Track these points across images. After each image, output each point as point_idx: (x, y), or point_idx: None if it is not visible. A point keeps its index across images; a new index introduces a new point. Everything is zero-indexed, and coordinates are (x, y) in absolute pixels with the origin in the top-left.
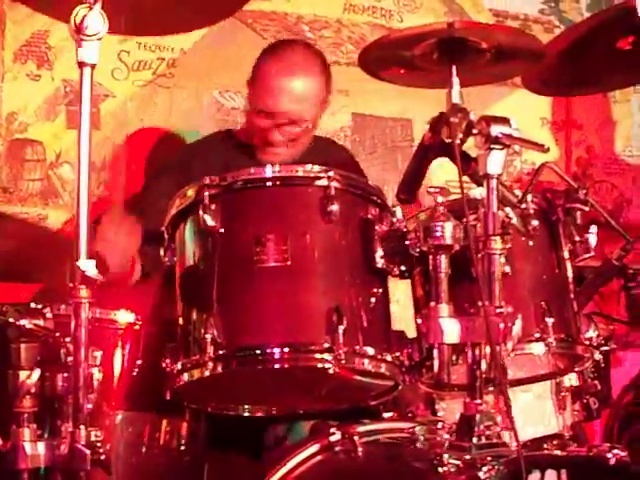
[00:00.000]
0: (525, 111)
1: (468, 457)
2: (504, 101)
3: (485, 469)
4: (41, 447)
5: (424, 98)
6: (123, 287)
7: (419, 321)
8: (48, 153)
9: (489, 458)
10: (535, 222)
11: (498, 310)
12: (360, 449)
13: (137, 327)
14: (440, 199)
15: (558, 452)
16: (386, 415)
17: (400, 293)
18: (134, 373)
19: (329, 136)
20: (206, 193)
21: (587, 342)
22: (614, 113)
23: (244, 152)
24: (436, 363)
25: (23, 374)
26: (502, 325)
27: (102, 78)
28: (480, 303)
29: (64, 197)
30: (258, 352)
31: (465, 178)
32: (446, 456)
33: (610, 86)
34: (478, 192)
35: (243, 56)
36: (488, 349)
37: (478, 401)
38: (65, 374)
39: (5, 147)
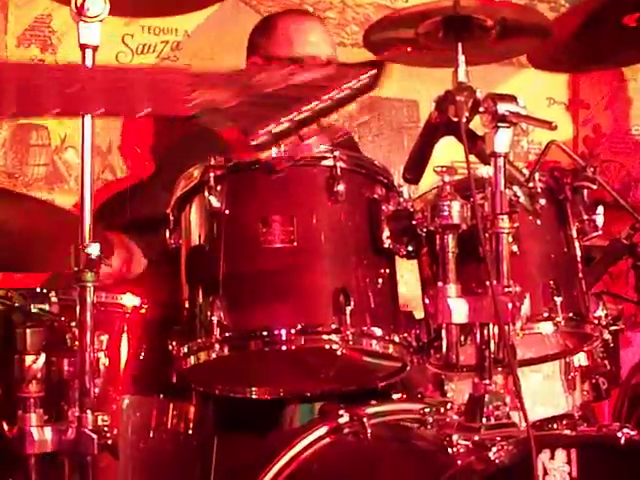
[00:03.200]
0: (532, 91)
1: (477, 438)
2: (510, 81)
3: (495, 449)
4: (48, 432)
5: (430, 79)
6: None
7: (427, 301)
8: (53, 138)
9: (498, 438)
10: (543, 201)
11: (506, 290)
12: (369, 431)
13: (143, 311)
14: (447, 178)
15: (568, 432)
16: (395, 396)
17: (408, 273)
18: (140, 357)
19: (335, 117)
20: (211, 174)
21: (596, 321)
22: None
23: None
24: (444, 344)
25: (29, 359)
26: (510, 305)
27: (106, 62)
28: (488, 283)
29: (69, 182)
30: (265, 334)
31: (472, 157)
32: (455, 437)
33: (618, 63)
34: (485, 171)
35: (247, 38)
36: (496, 329)
37: (487, 381)
38: (71, 359)
39: (10, 132)
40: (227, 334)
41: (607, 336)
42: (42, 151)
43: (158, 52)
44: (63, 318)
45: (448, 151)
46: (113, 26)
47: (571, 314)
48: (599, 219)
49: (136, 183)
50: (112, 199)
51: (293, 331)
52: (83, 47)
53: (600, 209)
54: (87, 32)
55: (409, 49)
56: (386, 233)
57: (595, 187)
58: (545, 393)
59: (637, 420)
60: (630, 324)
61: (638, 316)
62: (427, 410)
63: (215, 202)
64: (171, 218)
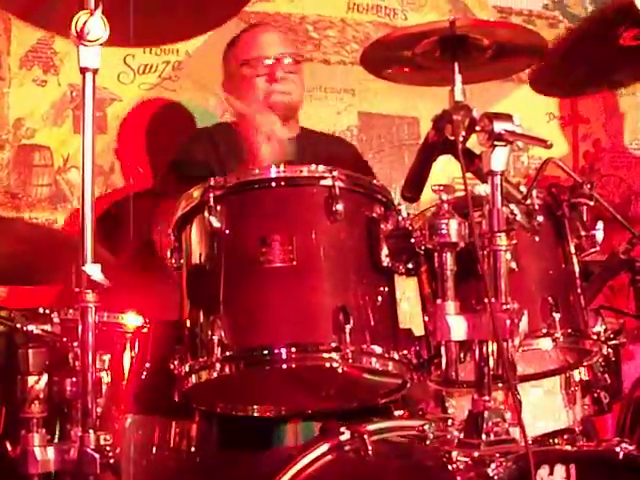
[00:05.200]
0: (531, 107)
1: (477, 454)
2: (510, 97)
3: (493, 465)
4: (51, 452)
5: (430, 96)
6: None
7: (426, 319)
8: (56, 158)
9: (497, 454)
10: (540, 218)
11: (504, 307)
12: (370, 448)
13: (145, 330)
14: (445, 196)
15: (567, 447)
16: (397, 413)
17: (410, 291)
18: (143, 376)
19: (337, 135)
20: (211, 194)
21: (595, 336)
22: (621, 106)
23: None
24: (444, 360)
25: (31, 379)
26: (508, 321)
27: (108, 82)
28: (486, 300)
29: (73, 202)
30: (265, 353)
31: (470, 175)
32: (455, 453)
33: (617, 83)
34: (483, 189)
35: None
36: (495, 346)
37: (486, 398)
38: (73, 379)
39: (13, 153)
40: (228, 353)
41: (607, 351)
42: (45, 171)
43: (159, 72)
44: (65, 338)
45: (448, 168)
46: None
47: (570, 330)
48: (599, 234)
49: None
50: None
51: (293, 350)
52: (83, 70)
53: (600, 224)
54: (87, 55)
55: (405, 70)
56: (385, 251)
57: (592, 203)
58: (546, 408)
59: None
60: (632, 337)
61: None
62: (427, 427)
63: (215, 222)
64: (172, 238)
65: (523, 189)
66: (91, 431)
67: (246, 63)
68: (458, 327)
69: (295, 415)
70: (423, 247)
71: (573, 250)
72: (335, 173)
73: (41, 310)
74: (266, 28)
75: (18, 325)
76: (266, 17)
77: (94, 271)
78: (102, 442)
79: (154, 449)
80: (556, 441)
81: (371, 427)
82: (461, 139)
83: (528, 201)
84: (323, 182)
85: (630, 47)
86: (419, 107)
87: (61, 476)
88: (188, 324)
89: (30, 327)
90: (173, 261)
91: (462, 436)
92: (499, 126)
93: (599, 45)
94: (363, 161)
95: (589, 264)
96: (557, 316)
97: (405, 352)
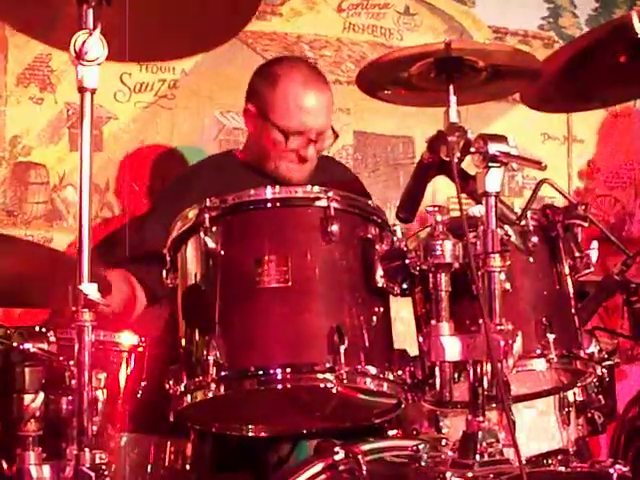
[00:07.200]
0: (526, 127)
1: (471, 474)
2: (505, 117)
3: None
4: (46, 470)
5: (425, 115)
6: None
7: (420, 339)
8: (52, 176)
9: (491, 475)
10: (535, 239)
11: (498, 327)
12: (364, 468)
13: (141, 349)
14: (439, 218)
15: (561, 468)
16: (391, 433)
17: (405, 311)
18: (138, 395)
19: (331, 155)
20: (206, 215)
21: (588, 357)
22: (615, 127)
23: (246, 172)
24: (438, 381)
25: (28, 398)
26: (503, 342)
27: (104, 100)
28: (481, 321)
29: (68, 220)
30: (260, 373)
31: (465, 196)
32: (449, 474)
33: (610, 101)
34: (477, 210)
35: (244, 76)
36: (489, 366)
37: (480, 418)
38: (69, 397)
39: (9, 170)
40: (223, 373)
41: (601, 371)
42: (41, 189)
43: (155, 90)
44: (61, 357)
45: (443, 189)
46: (110, 65)
47: (564, 351)
48: (593, 254)
49: (132, 220)
50: (110, 237)
51: (288, 370)
52: (81, 90)
53: (594, 244)
54: (85, 75)
55: (402, 90)
56: (380, 272)
57: (586, 224)
58: (539, 428)
59: (635, 453)
60: (626, 358)
61: (634, 350)
62: (421, 447)
63: (210, 243)
64: (167, 258)
65: (517, 210)
66: (87, 449)
67: (281, 130)
68: (452, 348)
69: (290, 435)
70: (418, 268)
71: (567, 271)
72: (330, 194)
73: (37, 328)
74: (311, 88)
75: (15, 343)
76: (262, 36)
77: (91, 290)
78: (97, 461)
79: (149, 468)
80: (550, 462)
81: (365, 447)
82: (456, 160)
83: (522, 222)
84: (318, 203)
85: (622, 66)
86: (414, 127)
87: None
88: (183, 343)
89: (27, 345)
90: (168, 281)
91: (456, 456)
92: (494, 147)
93: (593, 61)
94: (358, 182)
95: (585, 284)
96: (551, 337)
97: (400, 372)
